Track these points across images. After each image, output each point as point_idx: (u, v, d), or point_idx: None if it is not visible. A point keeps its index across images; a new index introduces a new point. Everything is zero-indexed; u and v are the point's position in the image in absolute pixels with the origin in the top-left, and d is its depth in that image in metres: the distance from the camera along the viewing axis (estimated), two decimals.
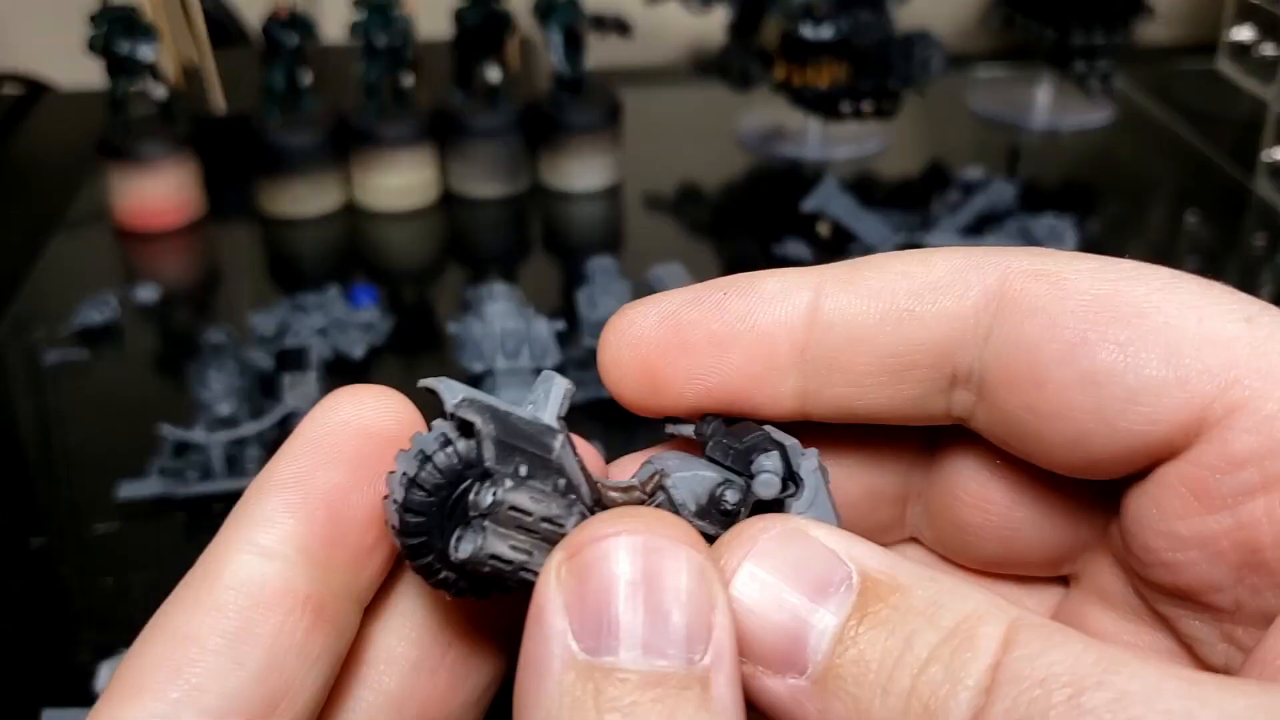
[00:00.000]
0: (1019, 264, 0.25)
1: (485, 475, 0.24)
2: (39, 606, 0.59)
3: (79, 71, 1.10)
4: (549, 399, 0.25)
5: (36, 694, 0.53)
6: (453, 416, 0.24)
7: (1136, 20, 1.06)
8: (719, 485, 0.26)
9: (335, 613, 0.24)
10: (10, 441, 0.72)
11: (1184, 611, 0.25)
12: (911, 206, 0.93)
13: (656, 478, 0.26)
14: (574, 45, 0.97)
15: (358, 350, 0.77)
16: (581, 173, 0.99)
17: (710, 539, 0.24)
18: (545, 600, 0.22)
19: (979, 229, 0.90)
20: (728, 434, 0.26)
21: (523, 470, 0.24)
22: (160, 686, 0.22)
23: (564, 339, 0.73)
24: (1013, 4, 1.11)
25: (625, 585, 0.21)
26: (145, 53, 0.91)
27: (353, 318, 0.80)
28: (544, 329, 0.69)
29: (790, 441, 0.26)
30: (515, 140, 0.98)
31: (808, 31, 0.96)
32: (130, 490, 0.64)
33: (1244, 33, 1.11)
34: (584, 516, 0.24)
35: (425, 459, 0.24)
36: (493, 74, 0.96)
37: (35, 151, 1.11)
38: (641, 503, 0.25)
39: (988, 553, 0.29)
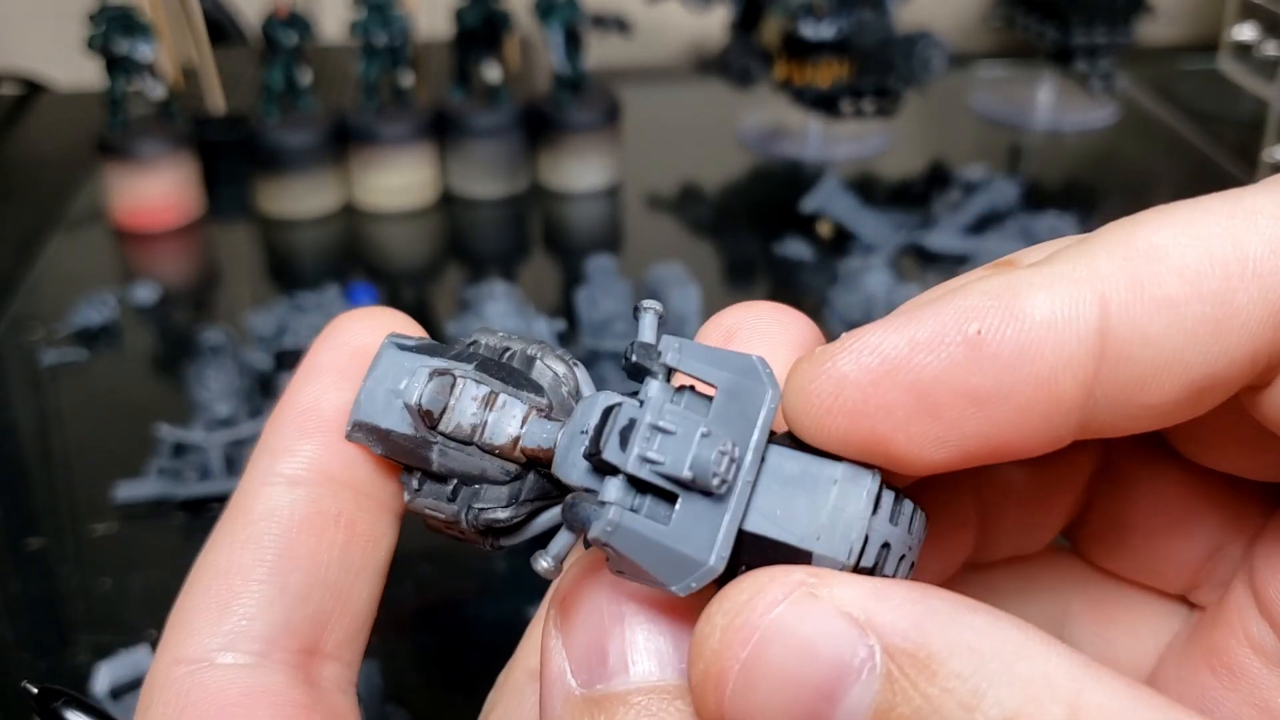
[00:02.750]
0: None
1: None
2: (36, 607, 0.59)
3: (77, 71, 1.10)
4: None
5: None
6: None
7: (1138, 19, 1.05)
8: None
9: (368, 526, 0.25)
10: (8, 442, 0.72)
11: None
12: (912, 206, 0.93)
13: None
14: (574, 44, 0.97)
15: None
16: (581, 172, 0.99)
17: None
18: (545, 646, 0.21)
19: (980, 228, 0.90)
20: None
21: (415, 483, 0.24)
22: (210, 624, 0.23)
23: (564, 339, 0.72)
24: (1014, 3, 1.11)
25: (611, 615, 0.21)
26: (144, 52, 0.91)
27: None
28: (544, 329, 0.69)
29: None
30: (515, 140, 0.97)
31: (809, 30, 0.96)
32: (128, 491, 0.64)
33: (1246, 32, 1.10)
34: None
35: None
36: (492, 73, 0.96)
37: (33, 151, 1.11)
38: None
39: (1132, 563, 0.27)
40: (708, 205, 1.00)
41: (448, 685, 0.53)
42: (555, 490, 0.24)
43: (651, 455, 0.20)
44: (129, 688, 0.52)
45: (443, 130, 0.96)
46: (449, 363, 0.23)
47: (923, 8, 1.11)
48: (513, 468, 0.23)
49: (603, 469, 0.21)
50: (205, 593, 0.24)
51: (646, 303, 0.22)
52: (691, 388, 0.22)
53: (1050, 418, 0.20)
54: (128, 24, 0.90)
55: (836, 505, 0.21)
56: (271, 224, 0.95)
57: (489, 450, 0.23)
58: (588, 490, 0.22)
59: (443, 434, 0.23)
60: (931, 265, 0.86)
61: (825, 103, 1.00)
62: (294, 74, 0.95)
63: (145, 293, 0.84)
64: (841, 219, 0.89)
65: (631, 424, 0.21)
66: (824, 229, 0.91)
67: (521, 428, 0.23)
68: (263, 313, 0.79)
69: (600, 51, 1.09)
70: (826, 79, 0.98)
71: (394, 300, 0.85)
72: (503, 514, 0.23)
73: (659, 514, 0.20)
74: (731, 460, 0.20)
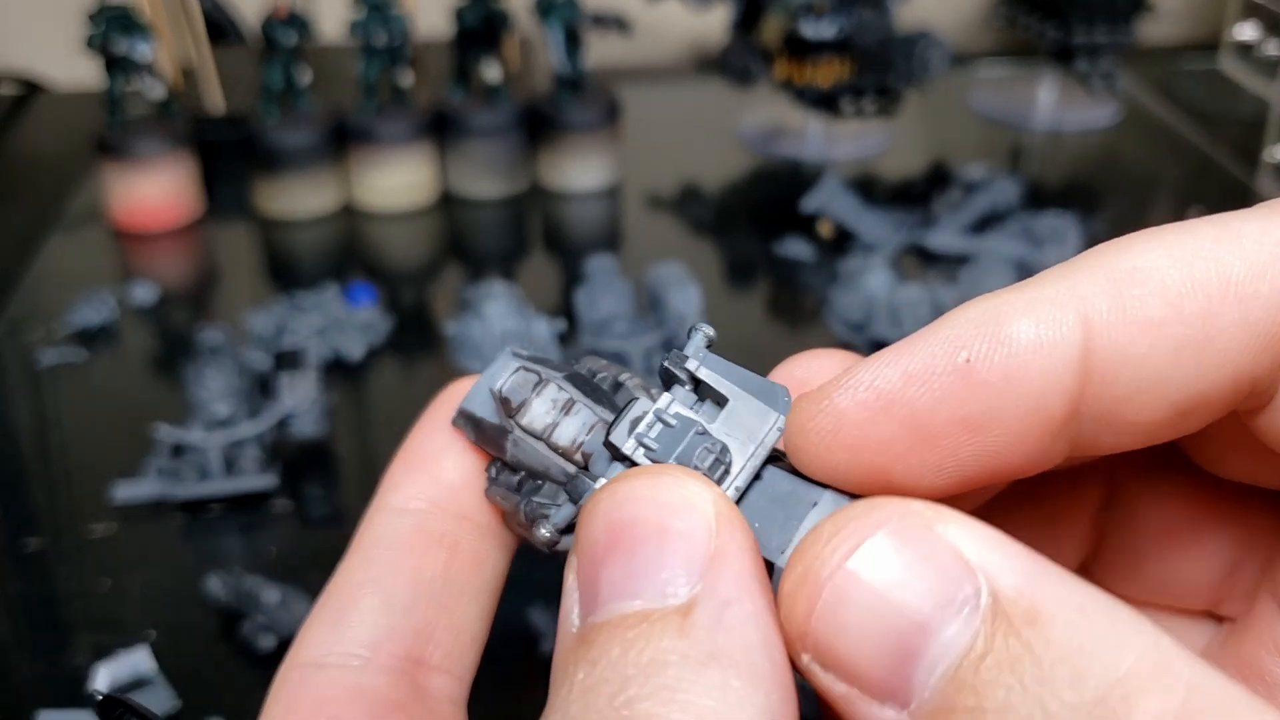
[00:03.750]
0: None
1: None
2: (35, 608, 0.59)
3: (76, 70, 1.10)
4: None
5: (32, 695, 0.53)
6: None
7: (1139, 19, 1.05)
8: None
9: (474, 548, 0.27)
10: (7, 442, 0.72)
11: None
12: (913, 206, 0.93)
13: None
14: (574, 44, 0.96)
15: (356, 350, 0.77)
16: (581, 172, 0.98)
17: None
18: (563, 589, 0.21)
19: (981, 228, 0.89)
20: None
21: (492, 472, 0.27)
22: (324, 633, 0.26)
23: (563, 339, 0.72)
24: (1015, 2, 1.11)
25: (605, 543, 0.20)
26: (143, 51, 0.90)
27: (351, 317, 0.79)
28: (543, 329, 0.69)
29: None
30: (515, 139, 0.97)
31: (809, 30, 0.96)
32: (126, 491, 0.64)
33: (1247, 31, 1.10)
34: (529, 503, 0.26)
35: None
36: (492, 73, 0.96)
37: (32, 151, 1.11)
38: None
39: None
40: (708, 205, 1.00)
41: None
42: None
43: (647, 441, 0.22)
44: (128, 688, 0.51)
45: (442, 130, 0.96)
46: (541, 367, 0.26)
47: (923, 7, 1.11)
48: (573, 470, 0.25)
49: (614, 454, 0.23)
50: (322, 608, 0.26)
51: (702, 325, 0.24)
52: (717, 404, 0.23)
53: (1042, 438, 0.20)
54: (127, 23, 0.90)
55: (808, 526, 0.21)
56: (271, 224, 0.95)
57: (555, 449, 0.25)
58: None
59: (520, 425, 0.25)
60: (932, 265, 0.86)
61: (826, 102, 1.00)
62: (293, 74, 0.95)
63: (144, 293, 0.84)
64: (842, 219, 0.88)
65: (644, 416, 0.23)
66: (824, 229, 0.91)
67: (586, 434, 0.25)
68: (262, 313, 0.78)
69: (600, 51, 1.09)
70: (827, 78, 0.98)
71: (393, 300, 0.85)
72: (553, 512, 0.25)
73: None
74: (718, 461, 0.22)
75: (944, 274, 0.84)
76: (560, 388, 0.25)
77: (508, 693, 0.47)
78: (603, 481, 0.22)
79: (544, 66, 1.04)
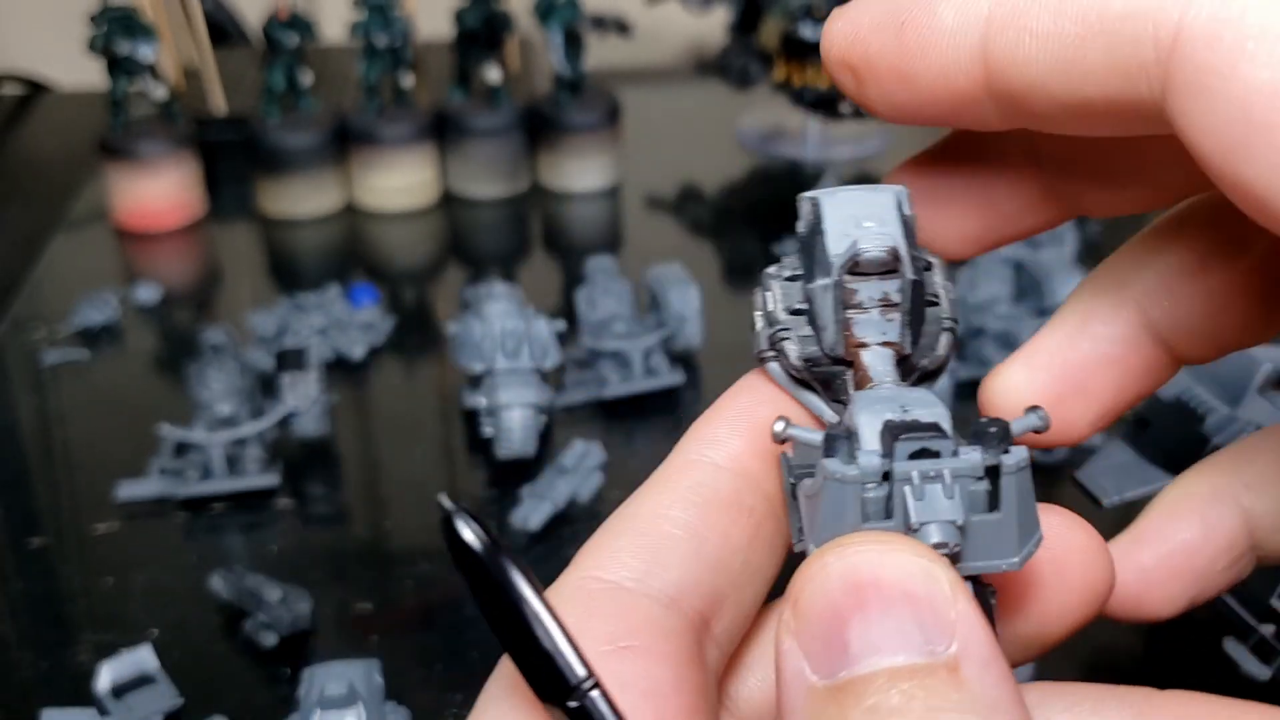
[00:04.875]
0: (1201, 6, 0.21)
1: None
2: (38, 606, 0.60)
3: (79, 72, 1.10)
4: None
5: (35, 694, 0.53)
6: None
7: None
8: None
9: (770, 531, 0.26)
10: (10, 441, 0.72)
11: None
12: None
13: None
14: (574, 45, 0.97)
15: (358, 350, 0.77)
16: (581, 173, 0.99)
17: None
18: (780, 649, 0.22)
19: None
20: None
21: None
22: (632, 553, 0.24)
23: (564, 339, 0.73)
24: None
25: (847, 603, 0.21)
26: (145, 53, 0.91)
27: (353, 318, 0.80)
28: (544, 329, 0.69)
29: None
30: (515, 140, 0.98)
31: (808, 31, 0.96)
32: (130, 490, 0.65)
33: None
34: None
35: None
36: (492, 74, 0.96)
37: (35, 152, 1.11)
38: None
39: None
40: (707, 206, 1.00)
41: (448, 684, 0.54)
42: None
43: (917, 480, 0.22)
44: (131, 686, 0.52)
45: (443, 131, 0.97)
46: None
47: None
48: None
49: (887, 443, 0.23)
50: (629, 529, 0.25)
51: (1040, 409, 0.24)
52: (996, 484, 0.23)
53: (957, 98, 0.24)
54: (129, 25, 0.91)
55: None
56: (273, 224, 0.96)
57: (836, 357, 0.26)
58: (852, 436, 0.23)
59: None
60: None
61: (824, 104, 1.00)
62: (295, 75, 0.95)
63: (147, 293, 0.85)
64: None
65: (937, 454, 0.23)
66: None
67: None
68: (264, 313, 0.79)
69: (600, 53, 1.09)
70: (825, 80, 0.98)
71: (395, 300, 0.85)
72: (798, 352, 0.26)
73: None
74: (949, 555, 0.22)
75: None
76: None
77: None
78: (856, 470, 0.22)
79: (544, 68, 1.04)
